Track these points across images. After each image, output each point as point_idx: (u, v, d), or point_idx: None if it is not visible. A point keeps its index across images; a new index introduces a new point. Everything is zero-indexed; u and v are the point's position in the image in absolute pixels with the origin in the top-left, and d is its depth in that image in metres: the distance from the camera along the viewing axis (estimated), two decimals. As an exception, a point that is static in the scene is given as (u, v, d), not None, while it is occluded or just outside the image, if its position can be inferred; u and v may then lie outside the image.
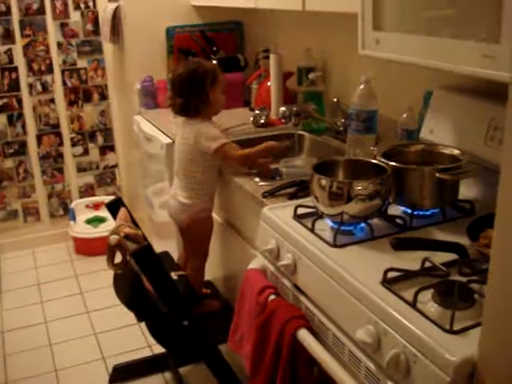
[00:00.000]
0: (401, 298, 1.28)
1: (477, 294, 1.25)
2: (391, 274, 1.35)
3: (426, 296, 1.27)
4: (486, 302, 1.07)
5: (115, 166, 4.37)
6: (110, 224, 2.87)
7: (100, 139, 4.27)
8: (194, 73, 2.28)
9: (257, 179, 2.16)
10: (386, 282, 1.34)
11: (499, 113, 1.66)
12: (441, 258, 1.37)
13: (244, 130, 2.76)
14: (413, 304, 1.25)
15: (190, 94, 2.28)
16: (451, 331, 1.16)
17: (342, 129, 2.50)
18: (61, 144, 4.16)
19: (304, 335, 1.50)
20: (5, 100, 3.92)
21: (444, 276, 1.31)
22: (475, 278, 1.30)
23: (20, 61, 3.90)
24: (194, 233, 2.41)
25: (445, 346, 1.12)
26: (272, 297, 1.67)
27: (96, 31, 4.03)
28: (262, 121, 2.81)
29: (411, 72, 2.09)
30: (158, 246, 2.40)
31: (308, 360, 1.51)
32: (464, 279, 1.30)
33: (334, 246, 1.54)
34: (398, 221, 1.64)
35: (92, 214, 4.27)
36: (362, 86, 2.11)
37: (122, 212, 2.23)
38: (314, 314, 1.54)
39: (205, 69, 2.31)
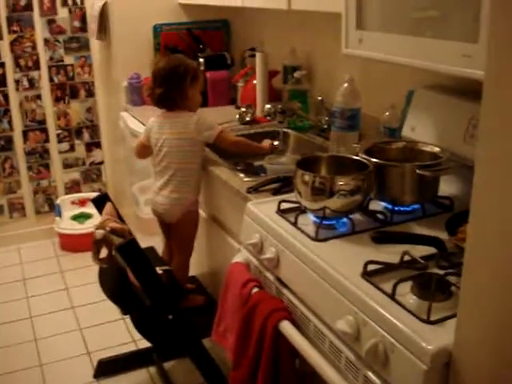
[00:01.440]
0: (380, 290, 1.31)
1: (454, 287, 1.28)
2: (371, 267, 1.38)
3: (405, 288, 1.30)
4: (460, 293, 1.10)
5: (101, 162, 4.37)
6: (96, 220, 2.88)
7: (86, 136, 4.26)
8: (176, 67, 2.32)
9: (241, 175, 2.18)
10: (366, 275, 1.37)
11: (478, 111, 1.69)
12: (420, 251, 1.40)
13: (230, 128, 2.78)
14: (392, 295, 1.28)
15: (169, 86, 2.31)
16: (428, 321, 1.19)
17: (326, 126, 2.53)
18: (47, 140, 4.16)
19: (286, 327, 1.53)
20: (-9, 95, 3.93)
21: (422, 269, 1.34)
22: (452, 270, 1.32)
23: (7, 56, 3.89)
24: (184, 227, 2.43)
25: (422, 335, 1.15)
26: (255, 289, 1.69)
27: (83, 28, 4.02)
28: (248, 118, 2.83)
29: (394, 71, 2.12)
30: (144, 243, 2.40)
31: (290, 351, 1.54)
32: (442, 272, 1.33)
33: (316, 239, 1.57)
34: (379, 216, 1.67)
35: (78, 210, 4.26)
36: (345, 85, 2.14)
37: (108, 207, 2.25)
38: (296, 306, 1.57)
39: (186, 66, 2.35)
